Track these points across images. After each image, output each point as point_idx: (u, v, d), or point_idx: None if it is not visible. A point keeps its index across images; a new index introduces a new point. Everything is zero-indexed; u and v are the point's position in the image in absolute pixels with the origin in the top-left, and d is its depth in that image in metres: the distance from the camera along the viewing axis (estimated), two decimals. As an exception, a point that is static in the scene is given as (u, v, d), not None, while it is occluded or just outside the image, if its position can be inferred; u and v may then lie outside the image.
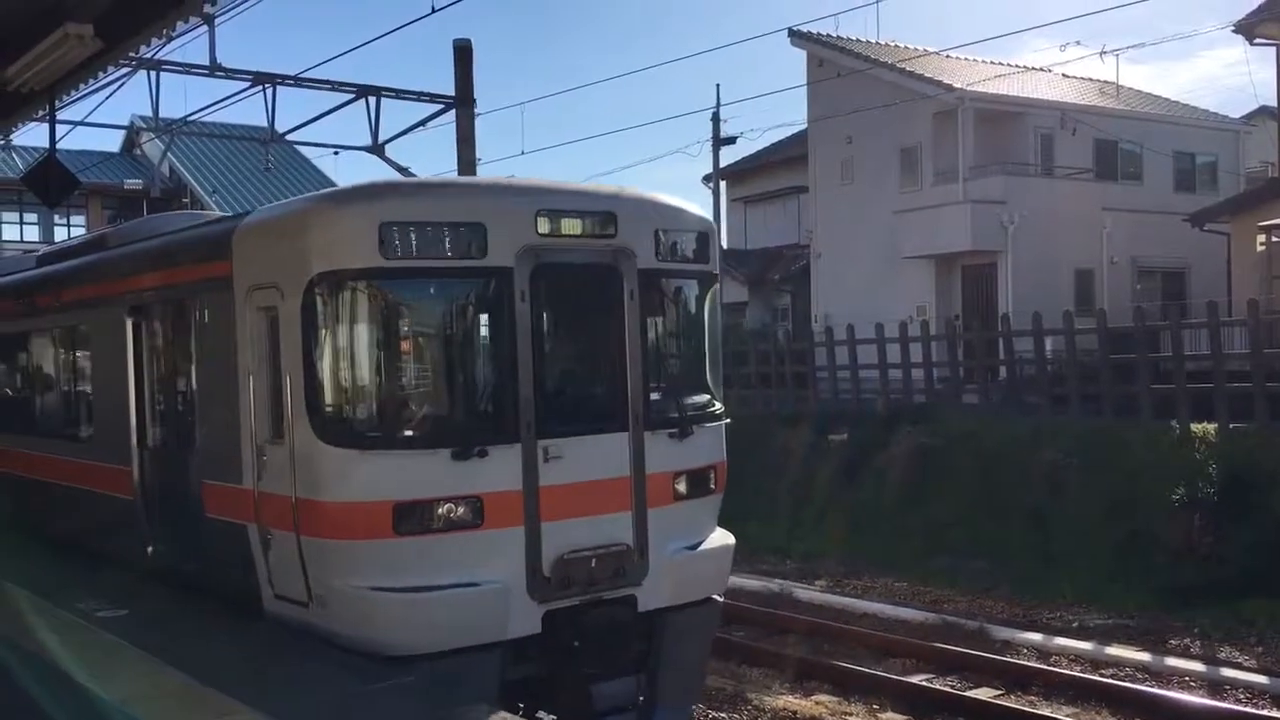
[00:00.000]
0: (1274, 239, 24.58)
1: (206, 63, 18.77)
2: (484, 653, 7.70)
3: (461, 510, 7.65)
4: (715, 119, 36.92)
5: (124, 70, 16.96)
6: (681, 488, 8.71)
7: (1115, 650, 12.83)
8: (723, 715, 10.84)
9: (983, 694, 11.36)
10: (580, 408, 8.47)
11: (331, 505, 7.64)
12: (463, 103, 19.22)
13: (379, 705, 6.90)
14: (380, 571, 7.56)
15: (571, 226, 8.24)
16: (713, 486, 9.05)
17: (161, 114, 22.11)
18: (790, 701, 11.27)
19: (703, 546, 8.96)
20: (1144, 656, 12.52)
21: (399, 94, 20.36)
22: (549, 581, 7.95)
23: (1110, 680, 11.67)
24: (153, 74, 19.29)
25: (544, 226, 8.08)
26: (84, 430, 11.75)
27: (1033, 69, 33.33)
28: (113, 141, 47.30)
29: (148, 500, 10.30)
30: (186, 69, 19.11)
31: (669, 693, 8.76)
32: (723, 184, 39.69)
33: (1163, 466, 16.91)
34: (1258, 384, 17.50)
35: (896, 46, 33.12)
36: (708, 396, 9.18)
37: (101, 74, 11.62)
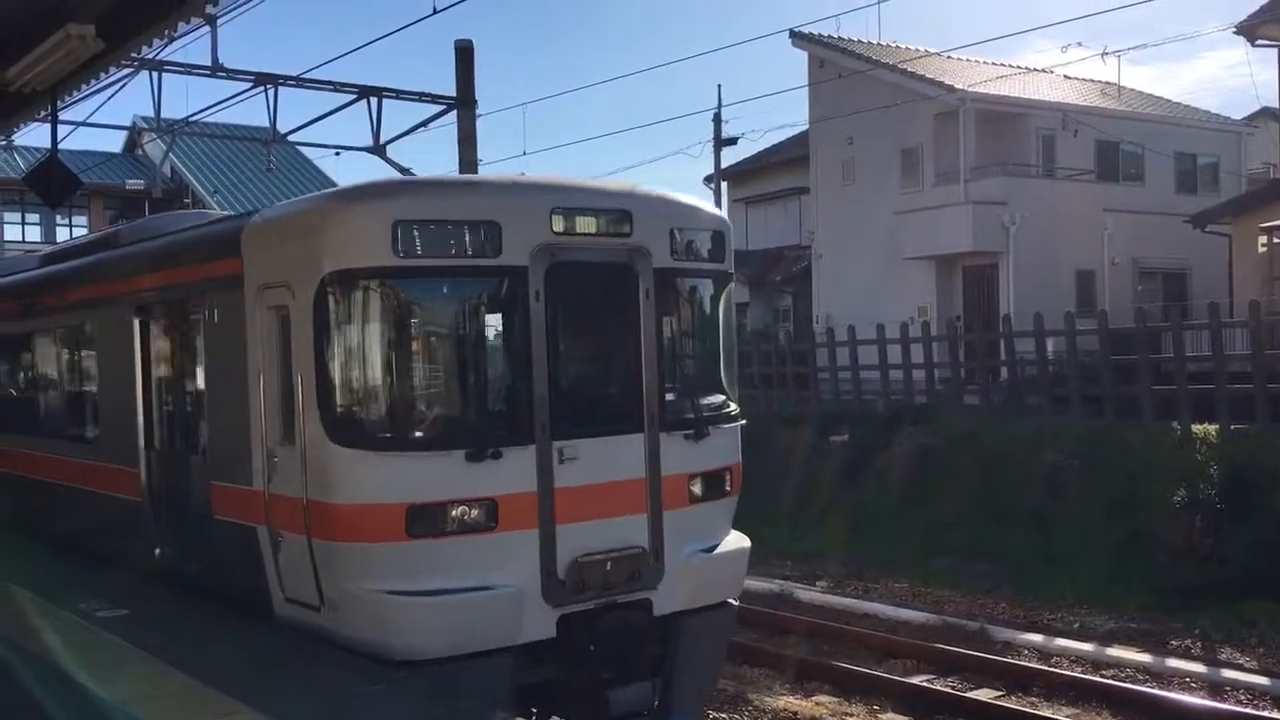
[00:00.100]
0: (1275, 240, 24.57)
1: (208, 63, 18.75)
2: (498, 657, 7.60)
3: (475, 512, 7.55)
4: (717, 120, 36.90)
5: (126, 71, 16.94)
6: (697, 490, 8.61)
7: (1116, 651, 12.83)
8: (723, 716, 10.84)
9: (983, 695, 11.36)
10: (595, 408, 8.37)
11: (343, 507, 7.54)
12: (464, 103, 19.22)
13: (381, 706, 6.90)
14: (393, 575, 7.46)
15: (586, 225, 8.14)
16: (728, 488, 8.94)
17: (163, 114, 22.04)
18: (791, 702, 11.28)
19: (718, 549, 8.84)
20: (1145, 657, 12.52)
21: (400, 95, 20.33)
22: (564, 585, 7.85)
23: (1111, 681, 11.67)
24: (154, 74, 19.27)
25: (559, 225, 7.98)
26: (90, 431, 11.68)
27: (1034, 70, 33.33)
28: (114, 142, 47.42)
29: (155, 502, 10.22)
30: (188, 69, 19.09)
31: (684, 697, 8.64)
32: (724, 185, 39.69)
33: (1164, 467, 16.91)
34: (1259, 385, 17.49)
35: (898, 47, 33.11)
36: (723, 397, 9.07)
37: (103, 74, 11.60)
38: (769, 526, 19.74)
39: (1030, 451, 18.63)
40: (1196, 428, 17.48)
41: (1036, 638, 13.43)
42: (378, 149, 20.29)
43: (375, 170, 20.73)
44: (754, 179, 40.58)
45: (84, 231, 38.36)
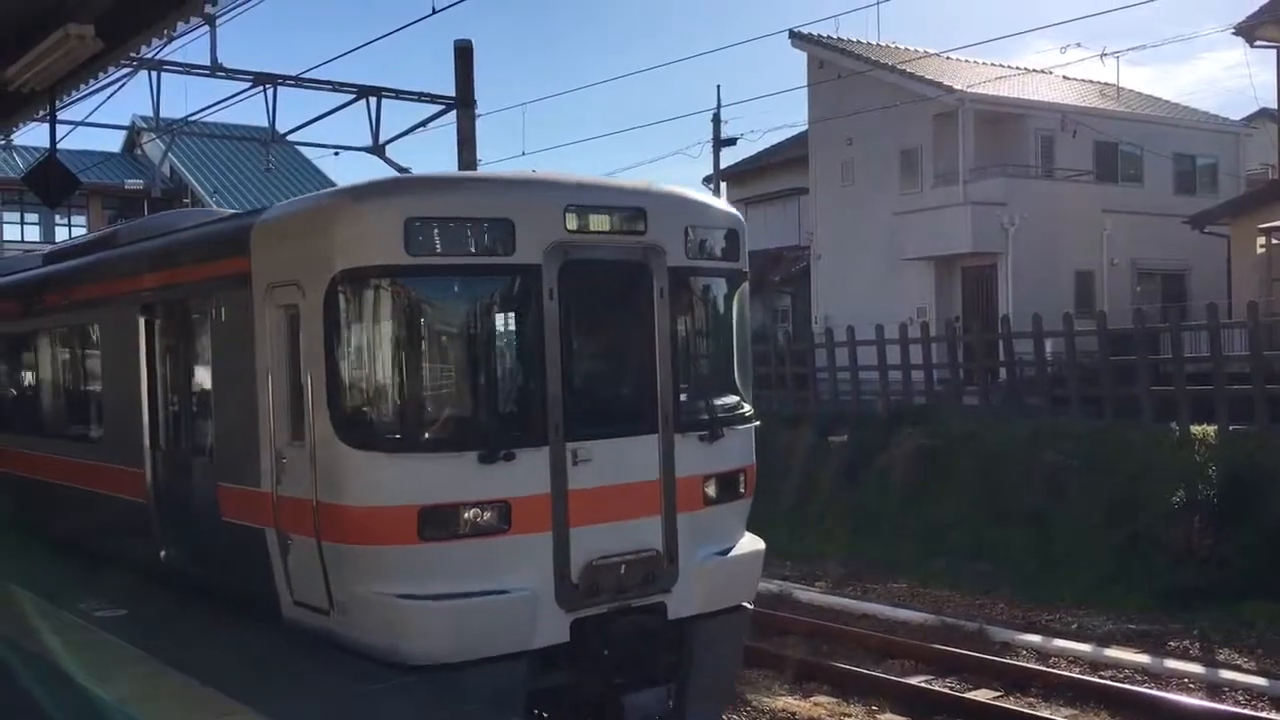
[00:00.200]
0: (1274, 241, 24.57)
1: (207, 63, 18.76)
2: (511, 662, 7.50)
3: (488, 515, 7.45)
4: (716, 120, 36.93)
5: (125, 70, 16.93)
6: (711, 492, 8.51)
7: (1114, 652, 12.83)
8: (722, 716, 10.83)
9: (982, 695, 11.36)
10: (609, 409, 8.27)
11: (354, 510, 7.42)
12: (463, 104, 19.22)
13: (382, 707, 6.87)
14: (405, 578, 7.35)
15: (600, 223, 8.03)
16: (742, 490, 8.85)
17: (162, 114, 22.07)
18: (789, 703, 11.27)
19: (733, 552, 8.73)
20: (1143, 658, 12.52)
21: (399, 95, 20.34)
22: (577, 589, 7.74)
23: (1109, 682, 11.67)
24: (154, 74, 19.28)
25: (572, 223, 7.87)
26: (95, 431, 11.58)
27: (1033, 71, 33.37)
28: (114, 142, 47.42)
29: (160, 503, 10.09)
30: (187, 69, 19.09)
31: (699, 703, 8.53)
32: (723, 185, 39.68)
33: (1163, 468, 16.91)
34: (1257, 386, 17.50)
35: (897, 48, 33.12)
36: (737, 398, 8.97)
37: (102, 74, 11.60)
38: (768, 526, 19.67)
39: (1029, 452, 18.63)
40: (1195, 429, 17.48)
41: (1035, 638, 13.43)
42: (377, 149, 20.30)
43: (374, 170, 20.76)
44: (753, 179, 40.57)
45: (83, 231, 38.35)
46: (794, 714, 11.01)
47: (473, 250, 7.61)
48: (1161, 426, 18.03)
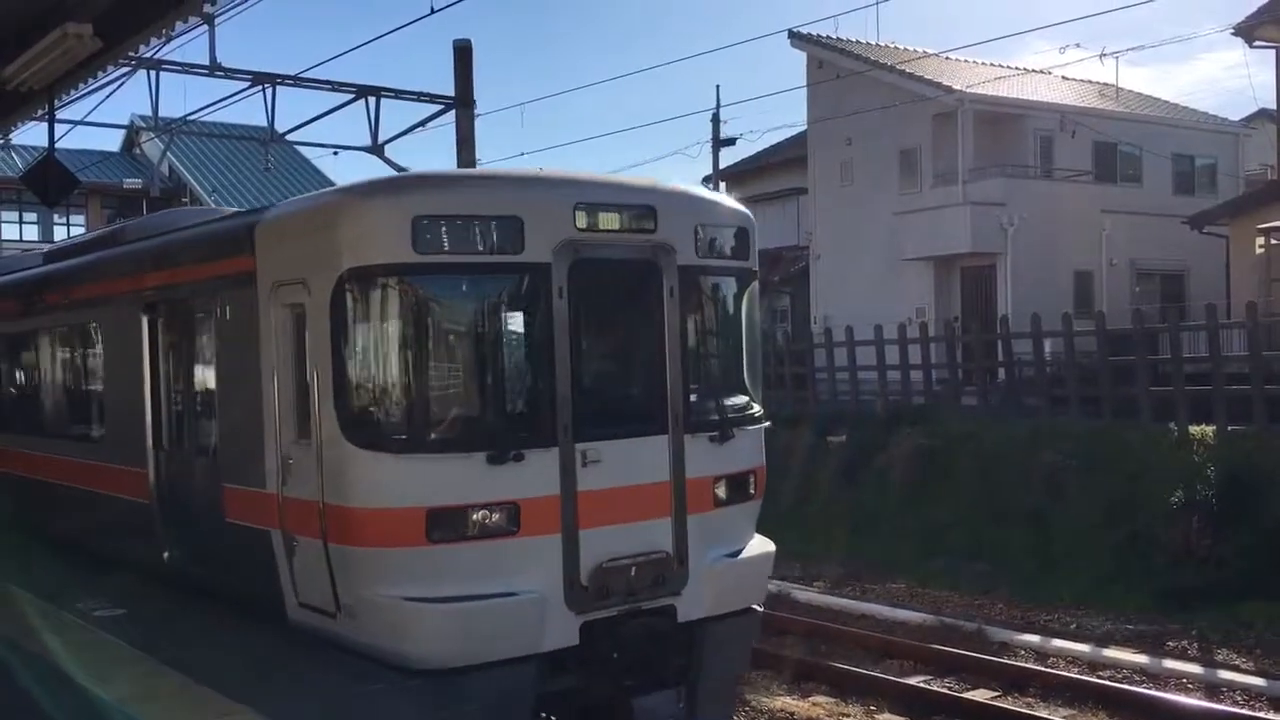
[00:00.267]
0: (1273, 241, 24.59)
1: (206, 62, 18.76)
2: (519, 666, 7.41)
3: (497, 517, 7.36)
4: (715, 120, 36.98)
5: (123, 70, 16.96)
6: (721, 493, 8.42)
7: (1113, 652, 12.83)
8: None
9: (980, 695, 11.36)
10: (619, 410, 8.18)
11: (361, 511, 7.33)
12: (463, 103, 19.22)
13: (381, 706, 6.85)
14: (412, 581, 7.25)
15: (610, 221, 7.94)
16: (752, 491, 8.76)
17: (161, 113, 22.06)
18: (788, 703, 11.27)
19: (743, 554, 8.65)
20: (1141, 659, 12.52)
21: (398, 94, 20.34)
22: (587, 591, 7.64)
23: (1107, 682, 11.67)
24: (152, 73, 19.27)
25: (582, 221, 7.77)
26: (97, 431, 11.49)
27: (1032, 71, 33.40)
28: (112, 141, 47.39)
29: (163, 504, 10.00)
30: (186, 69, 19.09)
31: (709, 706, 8.46)
32: (722, 185, 39.69)
33: (1161, 469, 16.92)
34: (1256, 386, 17.51)
35: (896, 48, 33.13)
36: (747, 398, 8.88)
37: (101, 73, 11.59)
38: (767, 526, 19.74)
39: (1028, 452, 18.64)
40: (1194, 429, 17.49)
41: (1034, 638, 13.43)
42: (376, 149, 20.31)
43: (373, 170, 20.72)
44: (752, 179, 40.58)
45: (81, 231, 38.33)
46: (792, 714, 11.01)
47: (481, 249, 7.52)
48: (1160, 427, 18.04)
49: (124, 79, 18.15)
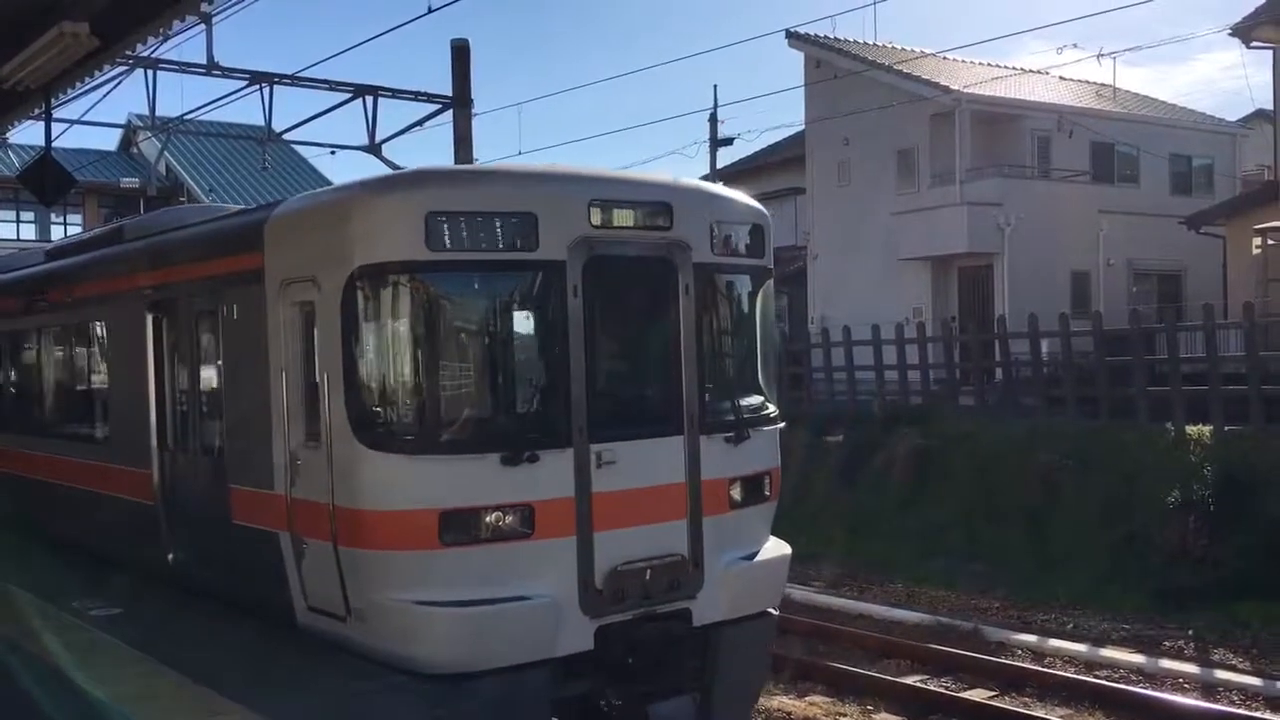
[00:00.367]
0: (1270, 242, 24.62)
1: (204, 61, 18.73)
2: (533, 670, 7.28)
3: (511, 519, 7.22)
4: (713, 120, 36.88)
5: (120, 69, 16.92)
6: (737, 494, 8.29)
7: (1109, 652, 12.84)
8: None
9: (976, 695, 11.37)
10: (634, 410, 8.08)
11: (372, 514, 7.19)
12: (460, 103, 19.20)
13: (380, 706, 6.83)
14: (424, 584, 7.13)
15: (625, 218, 7.80)
16: (767, 493, 8.64)
17: (158, 112, 21.95)
18: (785, 702, 11.28)
19: (759, 557, 8.53)
20: (1138, 658, 12.54)
21: (396, 94, 20.32)
22: (602, 595, 7.51)
23: (1104, 682, 11.69)
24: (149, 72, 19.22)
25: (597, 218, 7.64)
26: (100, 431, 11.36)
27: (1030, 71, 33.41)
28: (109, 140, 47.38)
29: (169, 505, 9.86)
30: (183, 68, 19.06)
31: (725, 712, 8.32)
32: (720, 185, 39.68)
33: (1158, 469, 16.93)
34: (1253, 387, 17.53)
35: (894, 48, 33.16)
36: (762, 398, 8.75)
37: (98, 72, 11.55)
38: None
39: (1025, 452, 18.66)
40: (1191, 429, 17.50)
41: (1030, 638, 13.45)
42: (373, 148, 20.29)
43: (371, 169, 20.69)
44: (750, 179, 40.50)
45: (78, 230, 38.29)
46: (790, 713, 11.01)
47: (495, 245, 7.37)
48: (1157, 427, 18.05)
49: (121, 78, 18.12)
